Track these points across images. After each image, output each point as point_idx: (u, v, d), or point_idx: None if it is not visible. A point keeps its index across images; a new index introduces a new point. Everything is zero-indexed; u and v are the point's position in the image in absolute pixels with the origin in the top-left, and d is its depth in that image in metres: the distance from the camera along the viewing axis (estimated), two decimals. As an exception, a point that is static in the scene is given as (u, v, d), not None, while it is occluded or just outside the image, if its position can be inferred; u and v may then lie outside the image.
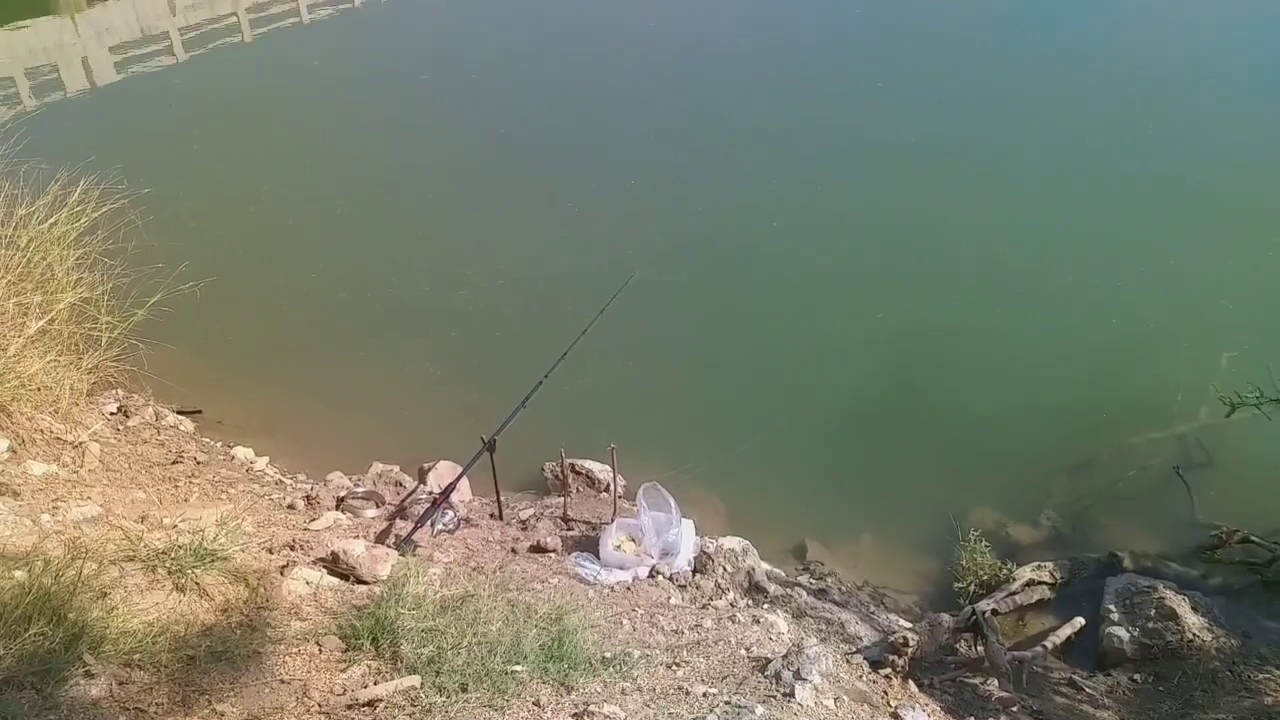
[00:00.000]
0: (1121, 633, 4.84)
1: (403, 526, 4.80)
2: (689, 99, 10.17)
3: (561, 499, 5.40)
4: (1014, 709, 4.19)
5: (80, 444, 4.88)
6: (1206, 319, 6.85)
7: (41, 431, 4.78)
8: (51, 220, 5.52)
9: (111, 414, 5.72)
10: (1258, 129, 8.97)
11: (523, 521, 5.25)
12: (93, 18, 14.29)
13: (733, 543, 5.10)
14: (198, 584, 3.60)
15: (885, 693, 3.95)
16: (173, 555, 3.64)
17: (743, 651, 3.95)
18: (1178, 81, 9.96)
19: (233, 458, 5.75)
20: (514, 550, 4.89)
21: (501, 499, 5.23)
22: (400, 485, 5.60)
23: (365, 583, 4.08)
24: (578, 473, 5.73)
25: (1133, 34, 11.36)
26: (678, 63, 11.15)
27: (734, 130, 9.47)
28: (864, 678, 4.00)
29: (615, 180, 8.72)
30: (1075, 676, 4.67)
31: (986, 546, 5.29)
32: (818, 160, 8.91)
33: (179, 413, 6.12)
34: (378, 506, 5.25)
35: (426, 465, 5.59)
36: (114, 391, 5.96)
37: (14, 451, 4.53)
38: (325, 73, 11.55)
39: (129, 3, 14.61)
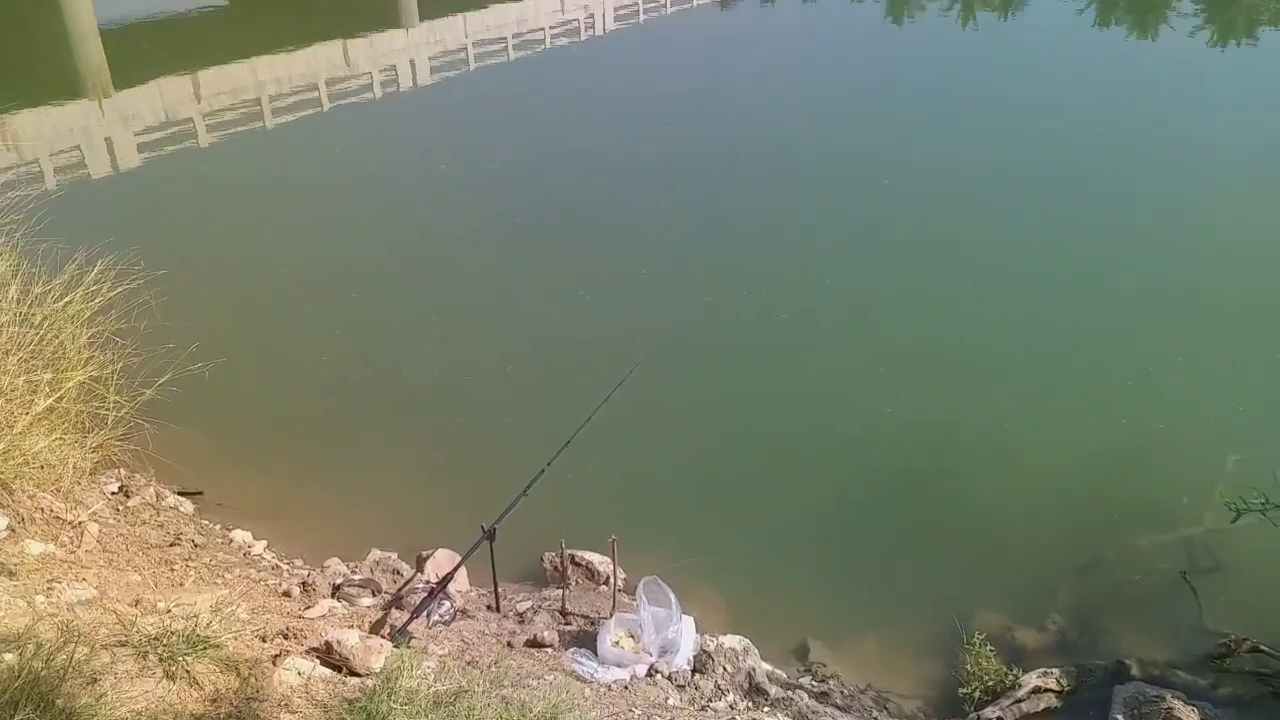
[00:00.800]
0: (1130, 744, 4.71)
1: (398, 616, 4.73)
2: (703, 191, 10.38)
3: (560, 591, 5.34)
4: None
5: (79, 524, 4.86)
6: (1213, 421, 6.84)
7: (42, 510, 4.77)
8: (67, 299, 5.61)
9: (112, 493, 5.70)
10: (1268, 232, 9.10)
11: (520, 614, 5.18)
12: (119, 102, 14.72)
13: (733, 641, 5.02)
14: (188, 672, 3.55)
15: (887, 803, 3.84)
16: (165, 642, 3.59)
17: (741, 756, 3.86)
18: (1189, 182, 10.14)
19: (231, 541, 5.71)
20: (510, 644, 4.82)
21: (499, 590, 5.17)
22: (398, 573, 5.55)
23: (358, 674, 4.02)
24: (578, 564, 5.68)
25: (1145, 132, 11.61)
26: (694, 156, 11.41)
27: (746, 222, 9.63)
28: (865, 787, 3.89)
29: (627, 268, 8.83)
30: (1083, 790, 4.53)
31: (991, 651, 5.19)
32: (826, 255, 9.04)
33: (180, 494, 6.10)
34: (374, 595, 5.19)
35: (425, 553, 5.54)
36: (117, 471, 5.96)
37: (13, 530, 4.51)
38: (343, 159, 11.83)
39: (155, 88, 15.06)
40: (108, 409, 5.63)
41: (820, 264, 8.87)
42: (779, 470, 6.57)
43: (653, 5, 21.08)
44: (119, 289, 5.86)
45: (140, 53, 18.01)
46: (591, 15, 20.26)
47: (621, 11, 20.55)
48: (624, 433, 6.34)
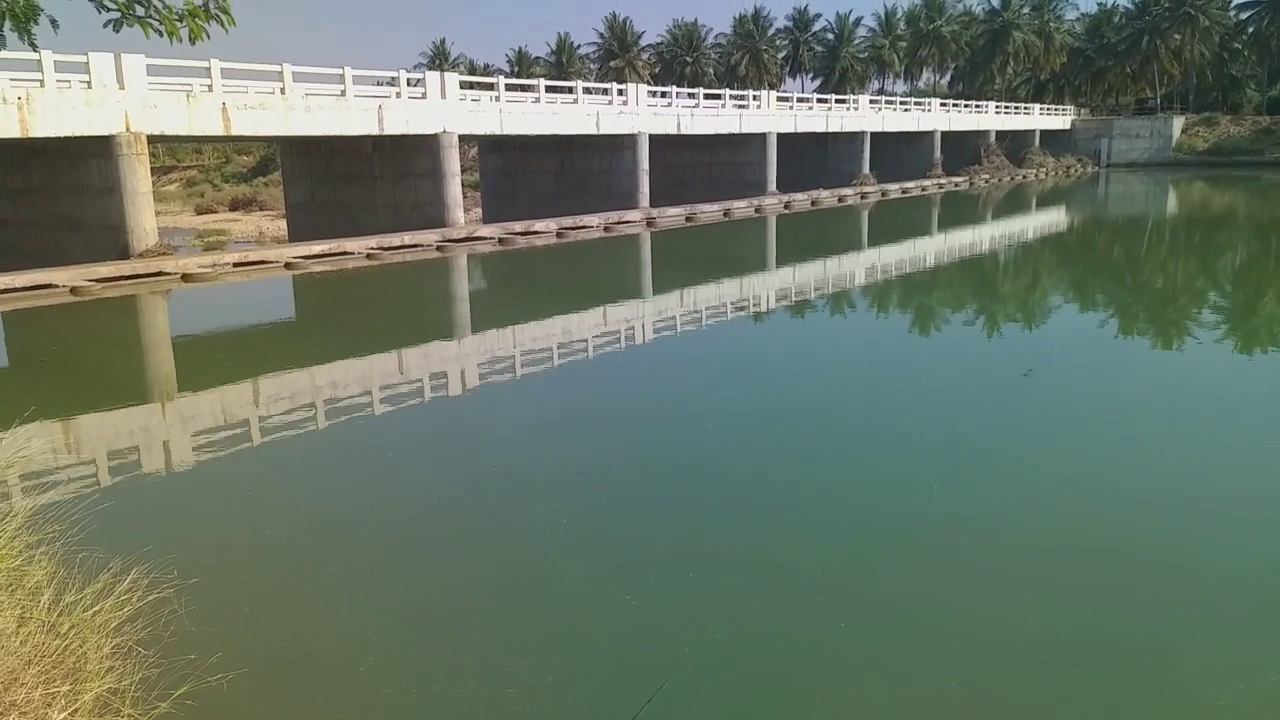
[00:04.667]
0: None
1: None
2: (753, 494, 10.34)
3: None
4: None
5: None
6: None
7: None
8: (96, 609, 5.53)
9: (111, 821, 5.30)
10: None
11: None
12: (181, 405, 15.41)
13: None
14: None
15: None
16: None
17: None
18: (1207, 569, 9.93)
19: None
20: None
21: None
22: None
23: None
24: None
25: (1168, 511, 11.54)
26: (738, 458, 11.49)
27: (796, 530, 9.48)
28: None
29: (674, 570, 8.60)
30: None
31: None
32: (885, 562, 8.77)
33: (183, 821, 5.65)
34: None
35: None
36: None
37: None
38: (393, 459, 12.07)
39: (217, 394, 15.81)
40: (120, 723, 5.38)
41: (876, 571, 8.57)
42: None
43: (690, 316, 22.23)
44: (149, 597, 5.78)
45: (208, 360, 19.10)
46: (632, 326, 21.39)
47: (660, 323, 21.67)
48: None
